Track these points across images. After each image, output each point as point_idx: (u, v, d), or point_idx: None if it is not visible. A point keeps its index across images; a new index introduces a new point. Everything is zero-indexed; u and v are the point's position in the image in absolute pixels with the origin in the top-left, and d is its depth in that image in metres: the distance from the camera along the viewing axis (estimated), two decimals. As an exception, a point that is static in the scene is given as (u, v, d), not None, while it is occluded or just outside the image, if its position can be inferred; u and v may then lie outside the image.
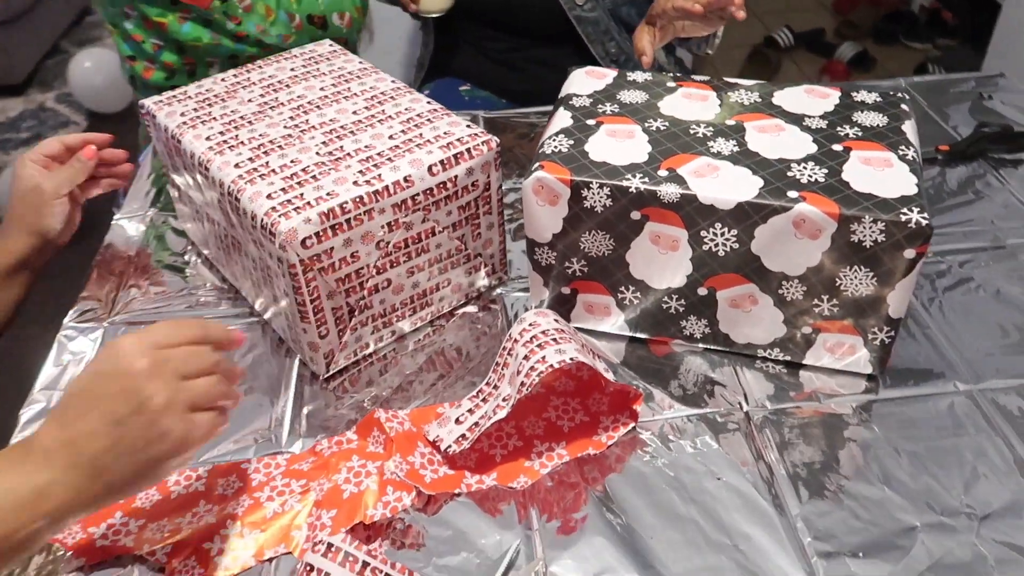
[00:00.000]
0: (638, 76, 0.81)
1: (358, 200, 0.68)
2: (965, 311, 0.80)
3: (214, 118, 0.79)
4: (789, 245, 0.66)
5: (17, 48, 2.61)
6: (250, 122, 0.78)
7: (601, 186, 0.68)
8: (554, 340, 0.65)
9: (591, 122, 0.75)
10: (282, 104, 0.80)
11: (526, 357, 0.64)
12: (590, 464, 0.67)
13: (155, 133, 0.83)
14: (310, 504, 0.63)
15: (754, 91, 0.78)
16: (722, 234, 0.67)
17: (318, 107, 0.80)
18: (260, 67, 0.87)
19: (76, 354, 0.79)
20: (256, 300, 0.81)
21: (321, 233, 0.66)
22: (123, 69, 1.20)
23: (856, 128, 0.72)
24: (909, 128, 0.73)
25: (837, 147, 0.70)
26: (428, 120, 0.77)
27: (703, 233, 0.68)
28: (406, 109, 0.79)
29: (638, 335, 0.78)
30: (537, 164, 0.70)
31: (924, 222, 0.63)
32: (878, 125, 0.73)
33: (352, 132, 0.75)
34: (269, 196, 0.68)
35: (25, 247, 0.80)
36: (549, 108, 1.10)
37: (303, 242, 0.66)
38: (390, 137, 0.74)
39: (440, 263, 0.77)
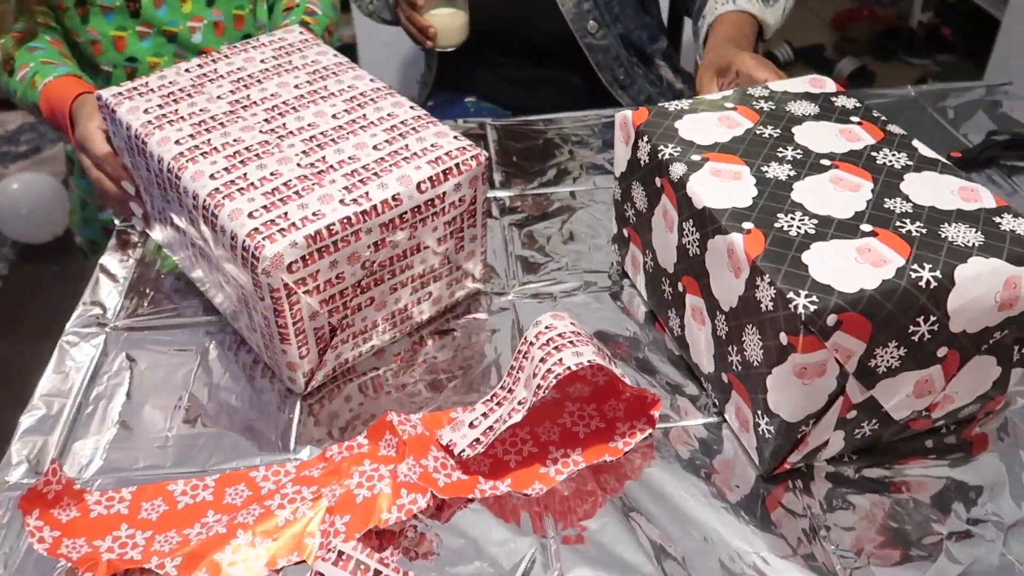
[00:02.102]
0: (846, 102, 0.75)
1: (345, 221, 0.64)
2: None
3: (182, 117, 0.74)
4: (723, 274, 0.62)
5: (16, 61, 2.60)
6: (222, 124, 0.73)
7: (648, 142, 0.71)
8: (571, 343, 0.64)
9: (729, 105, 0.76)
10: (255, 103, 0.76)
11: (542, 360, 0.63)
12: (607, 471, 0.66)
13: (113, 127, 0.79)
14: (322, 510, 0.62)
15: (902, 157, 0.68)
16: (691, 233, 0.66)
17: (295, 108, 0.75)
18: (227, 57, 0.82)
19: (78, 361, 0.78)
20: (228, 312, 0.78)
21: (308, 257, 0.63)
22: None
23: (927, 230, 0.60)
24: (975, 266, 0.57)
25: (866, 227, 0.60)
26: (414, 129, 0.73)
27: (684, 224, 0.67)
28: (389, 115, 0.75)
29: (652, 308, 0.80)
30: (638, 108, 0.76)
31: (805, 314, 0.54)
32: (956, 243, 0.59)
33: (334, 140, 0.72)
34: (251, 215, 0.64)
35: None
36: (555, 116, 1.11)
37: (289, 267, 0.63)
38: (375, 148, 0.71)
39: (423, 278, 0.75)
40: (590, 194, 0.97)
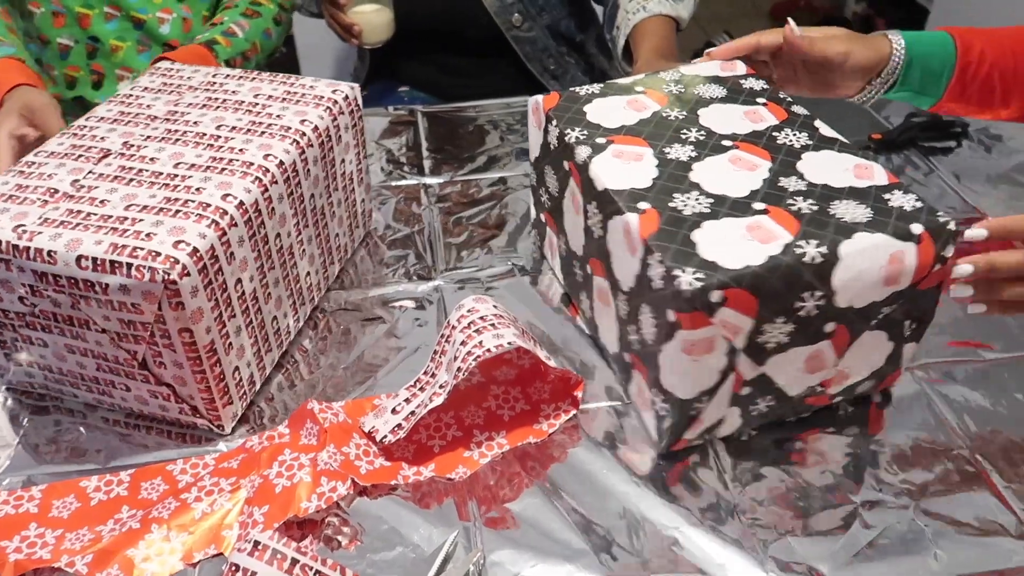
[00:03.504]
0: (754, 84, 0.76)
1: None
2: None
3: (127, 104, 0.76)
4: (622, 254, 0.62)
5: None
6: (125, 123, 0.74)
7: (556, 125, 0.72)
8: (492, 325, 0.64)
9: (639, 88, 0.76)
10: (167, 120, 0.74)
11: (463, 343, 0.63)
12: (531, 453, 0.66)
13: None
14: (241, 502, 0.61)
15: (803, 137, 0.68)
16: (595, 214, 0.66)
17: (174, 142, 0.71)
18: (239, 78, 0.80)
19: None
20: None
21: None
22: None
23: (818, 207, 0.60)
24: (859, 241, 0.57)
25: (759, 206, 0.61)
26: (193, 212, 0.62)
27: (588, 207, 0.67)
28: (207, 189, 0.65)
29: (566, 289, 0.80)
30: (552, 92, 0.77)
31: (689, 290, 0.54)
32: (844, 220, 0.59)
33: (139, 183, 0.66)
34: None
35: None
36: (485, 102, 1.11)
37: None
38: (143, 208, 0.63)
39: (107, 362, 0.65)
40: (519, 180, 0.97)
